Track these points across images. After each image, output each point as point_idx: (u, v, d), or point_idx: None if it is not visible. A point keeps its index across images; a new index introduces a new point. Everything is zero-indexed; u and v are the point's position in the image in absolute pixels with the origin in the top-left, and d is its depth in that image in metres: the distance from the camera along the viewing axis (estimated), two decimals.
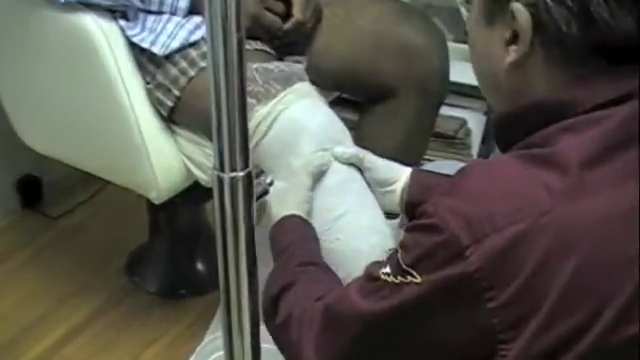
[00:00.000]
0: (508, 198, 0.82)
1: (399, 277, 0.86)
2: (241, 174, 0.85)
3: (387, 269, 0.88)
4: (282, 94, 1.31)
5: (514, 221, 0.81)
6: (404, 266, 0.86)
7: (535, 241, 0.81)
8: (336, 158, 1.24)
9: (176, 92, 1.45)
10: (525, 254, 0.81)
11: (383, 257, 0.93)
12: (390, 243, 1.22)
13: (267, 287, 1.04)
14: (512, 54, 0.87)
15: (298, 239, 1.10)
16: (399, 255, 0.87)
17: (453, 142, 2.18)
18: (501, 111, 0.92)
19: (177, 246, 1.88)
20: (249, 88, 1.30)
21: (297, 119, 1.29)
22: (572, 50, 0.84)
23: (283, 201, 1.15)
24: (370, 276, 0.91)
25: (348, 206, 1.21)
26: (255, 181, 0.89)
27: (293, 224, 1.13)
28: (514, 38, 0.86)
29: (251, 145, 1.27)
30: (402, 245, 0.88)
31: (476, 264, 0.81)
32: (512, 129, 0.89)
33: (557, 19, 0.83)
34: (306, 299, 0.99)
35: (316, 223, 1.16)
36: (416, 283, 0.85)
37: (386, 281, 0.88)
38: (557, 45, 0.85)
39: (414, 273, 0.85)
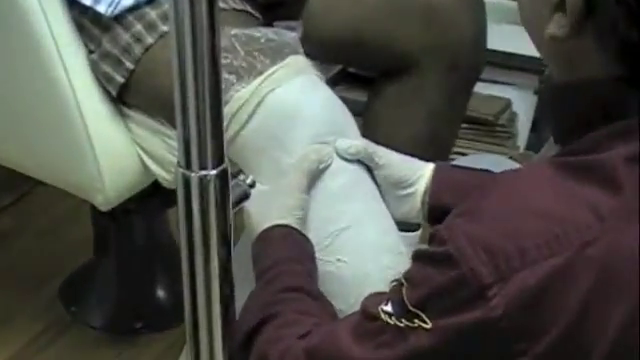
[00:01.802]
0: (543, 222, 0.83)
1: (403, 320, 0.87)
2: (213, 173, 0.86)
3: (388, 307, 0.89)
4: (270, 70, 1.31)
5: (551, 253, 0.82)
6: (410, 306, 0.87)
7: (577, 278, 0.81)
8: (339, 153, 1.24)
9: (129, 64, 1.46)
10: (565, 295, 0.81)
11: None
12: (407, 265, 1.22)
13: (241, 318, 1.05)
14: (555, 24, 0.87)
15: (286, 257, 1.11)
16: (404, 290, 0.88)
17: (493, 130, 2.19)
18: (555, 78, 0.92)
19: (131, 266, 1.89)
20: (226, 61, 1.30)
21: (289, 103, 1.29)
22: (633, 49, 0.84)
23: (269, 208, 1.16)
24: (367, 313, 0.92)
25: (353, 216, 1.22)
26: (232, 182, 0.90)
27: (281, 237, 1.13)
28: (561, 5, 0.87)
29: (227, 136, 1.28)
30: (408, 278, 0.89)
31: (501, 308, 0.82)
32: (564, 109, 0.90)
33: (615, 17, 0.83)
34: (287, 337, 0.99)
35: (311, 239, 1.16)
36: (425, 329, 0.86)
37: (387, 323, 0.88)
38: (615, 42, 0.85)
39: (423, 316, 0.86)
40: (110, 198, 1.54)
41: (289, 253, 1.12)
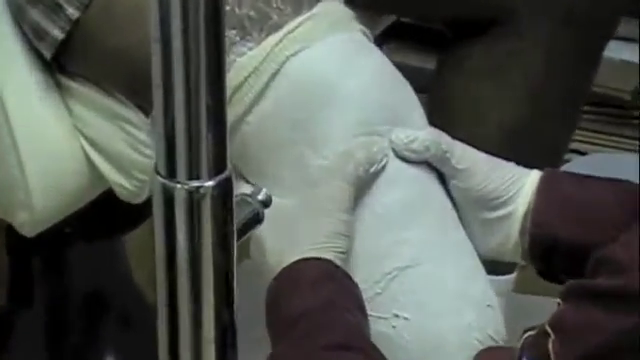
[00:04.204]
0: None
1: None
2: (210, 184, 0.87)
3: None
4: (292, 23, 1.33)
5: None
6: None
7: None
8: (396, 151, 1.26)
9: (72, 11, 1.46)
10: None
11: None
12: (499, 323, 1.23)
13: None
14: None
15: (325, 303, 1.11)
16: (550, 345, 0.89)
17: (628, 115, 2.21)
18: None
19: (65, 321, 1.90)
20: (227, 7, 1.31)
21: (320, 74, 1.30)
22: None
23: (295, 234, 1.17)
24: None
25: (417, 249, 1.23)
26: (237, 197, 0.90)
27: (316, 275, 1.15)
28: None
29: (229, 124, 1.28)
30: (557, 326, 0.90)
31: None
32: None
33: None
34: None
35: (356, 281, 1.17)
36: None
37: None
38: None
39: None
40: (39, 218, 1.55)
41: (328, 298, 1.12)
